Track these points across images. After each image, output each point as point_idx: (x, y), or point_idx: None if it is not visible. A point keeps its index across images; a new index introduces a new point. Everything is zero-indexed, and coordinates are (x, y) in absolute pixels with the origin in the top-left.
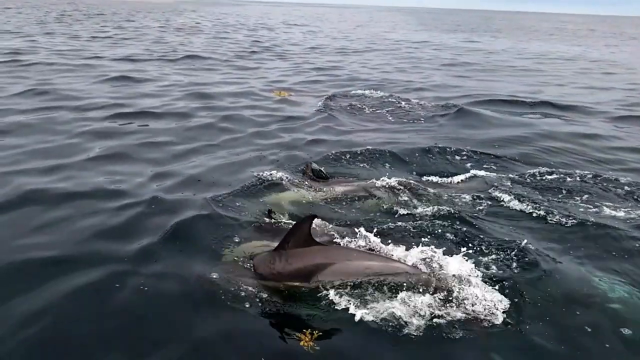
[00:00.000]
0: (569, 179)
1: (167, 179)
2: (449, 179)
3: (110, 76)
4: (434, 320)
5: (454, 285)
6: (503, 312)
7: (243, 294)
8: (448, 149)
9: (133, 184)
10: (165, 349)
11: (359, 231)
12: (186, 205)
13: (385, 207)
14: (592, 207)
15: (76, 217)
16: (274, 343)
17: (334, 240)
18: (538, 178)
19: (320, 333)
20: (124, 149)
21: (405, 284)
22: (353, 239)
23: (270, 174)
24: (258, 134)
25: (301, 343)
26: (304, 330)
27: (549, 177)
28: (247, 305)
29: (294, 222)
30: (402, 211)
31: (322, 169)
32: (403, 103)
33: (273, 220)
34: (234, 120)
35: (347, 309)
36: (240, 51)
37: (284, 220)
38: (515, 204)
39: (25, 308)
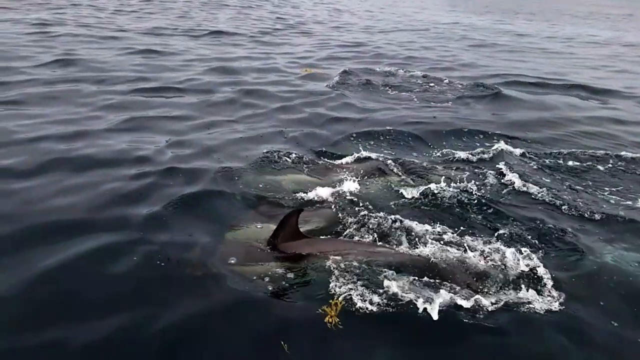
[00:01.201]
0: (600, 164)
1: (184, 150)
2: (475, 161)
3: (135, 49)
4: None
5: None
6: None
7: (259, 269)
8: (475, 131)
9: (150, 154)
10: (170, 315)
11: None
12: (200, 177)
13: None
14: (626, 193)
15: (94, 183)
16: (296, 318)
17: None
18: (568, 162)
19: (346, 306)
20: (145, 121)
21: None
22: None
23: (288, 153)
24: (280, 110)
25: (326, 319)
26: (330, 303)
27: (580, 162)
28: (266, 280)
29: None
30: (421, 196)
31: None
32: (429, 82)
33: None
34: (257, 95)
35: (371, 285)
36: (265, 27)
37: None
38: (544, 188)
39: (40, 268)
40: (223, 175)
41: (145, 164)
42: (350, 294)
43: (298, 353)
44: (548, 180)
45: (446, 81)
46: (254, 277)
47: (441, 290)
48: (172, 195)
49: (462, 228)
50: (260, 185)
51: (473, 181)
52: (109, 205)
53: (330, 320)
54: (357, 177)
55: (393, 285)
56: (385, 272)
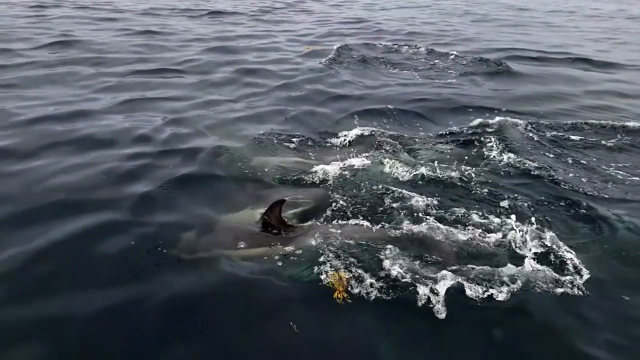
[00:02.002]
0: (606, 138)
1: (182, 130)
2: (478, 137)
3: (133, 30)
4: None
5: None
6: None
7: (256, 251)
8: (479, 107)
9: (148, 134)
10: (170, 295)
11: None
12: (197, 157)
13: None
14: (633, 165)
15: (92, 163)
16: (303, 297)
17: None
18: (573, 136)
19: (353, 282)
20: (144, 102)
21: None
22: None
23: (287, 132)
24: (280, 89)
25: (335, 295)
26: (338, 278)
27: (584, 135)
28: (266, 261)
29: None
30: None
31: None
32: (433, 58)
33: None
34: (258, 74)
35: (380, 261)
36: (264, 6)
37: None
38: (550, 163)
39: (39, 245)
40: (220, 156)
41: (143, 144)
42: (356, 270)
43: (308, 331)
44: (552, 156)
45: (450, 57)
46: (252, 259)
47: (447, 267)
48: (170, 175)
49: (466, 204)
50: (257, 166)
51: (477, 157)
52: (106, 184)
53: (339, 295)
54: (355, 156)
55: (396, 263)
56: (388, 248)
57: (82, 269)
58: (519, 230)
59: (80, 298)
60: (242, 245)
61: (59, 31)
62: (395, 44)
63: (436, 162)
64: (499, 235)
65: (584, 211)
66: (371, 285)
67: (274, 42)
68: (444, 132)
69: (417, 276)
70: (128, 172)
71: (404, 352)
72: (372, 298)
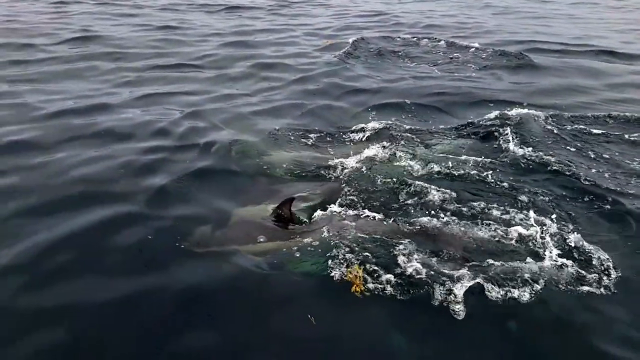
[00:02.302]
0: (629, 132)
1: (199, 124)
2: (498, 130)
3: (152, 26)
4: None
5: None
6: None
7: (269, 245)
8: (499, 101)
9: (166, 128)
10: (186, 286)
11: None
12: (213, 151)
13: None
14: None
15: (111, 156)
16: (320, 287)
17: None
18: (595, 130)
19: (369, 276)
20: (162, 96)
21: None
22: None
23: (304, 126)
24: (298, 83)
25: (353, 289)
26: (355, 272)
27: (607, 129)
28: (279, 255)
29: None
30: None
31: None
32: (451, 50)
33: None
34: (275, 69)
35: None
36: (282, 0)
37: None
38: (571, 157)
39: (53, 236)
40: (236, 150)
41: (161, 137)
42: (372, 265)
43: (325, 323)
44: (573, 149)
45: (470, 50)
46: (267, 253)
47: (465, 263)
48: (186, 169)
49: (485, 199)
50: (273, 160)
51: (496, 150)
52: (124, 177)
53: (357, 289)
54: (372, 150)
55: (413, 258)
56: (404, 243)
57: (99, 259)
58: (540, 226)
59: (95, 287)
60: (258, 240)
61: (80, 26)
62: (414, 37)
63: (454, 155)
64: (519, 231)
65: (608, 206)
66: (387, 280)
67: (291, 37)
68: (462, 126)
69: (433, 272)
70: (146, 165)
71: (419, 348)
72: (388, 293)
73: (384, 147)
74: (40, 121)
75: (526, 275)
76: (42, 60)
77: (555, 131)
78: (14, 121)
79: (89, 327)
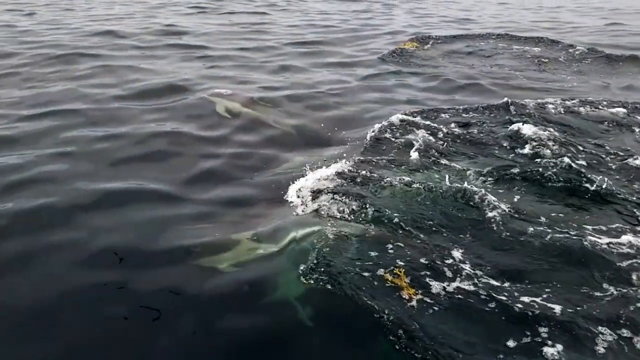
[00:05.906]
0: None
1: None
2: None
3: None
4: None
5: None
6: None
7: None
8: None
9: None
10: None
11: None
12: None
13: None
14: None
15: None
16: (370, 293)
17: None
18: None
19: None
20: None
21: None
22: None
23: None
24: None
25: (403, 293)
26: (400, 278)
27: None
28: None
29: None
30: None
31: None
32: (526, 50)
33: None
34: (349, 66)
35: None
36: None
37: None
38: None
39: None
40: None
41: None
42: (420, 272)
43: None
44: None
45: (550, 50)
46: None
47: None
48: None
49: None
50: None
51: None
52: (142, 177)
53: (408, 293)
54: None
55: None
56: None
57: (147, 245)
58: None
59: (143, 271)
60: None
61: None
62: (482, 39)
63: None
64: (589, 242)
65: None
66: (442, 288)
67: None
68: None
69: (490, 284)
70: (164, 165)
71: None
72: (440, 300)
73: (439, 152)
74: None
75: (599, 294)
76: None
77: None
78: None
79: None
